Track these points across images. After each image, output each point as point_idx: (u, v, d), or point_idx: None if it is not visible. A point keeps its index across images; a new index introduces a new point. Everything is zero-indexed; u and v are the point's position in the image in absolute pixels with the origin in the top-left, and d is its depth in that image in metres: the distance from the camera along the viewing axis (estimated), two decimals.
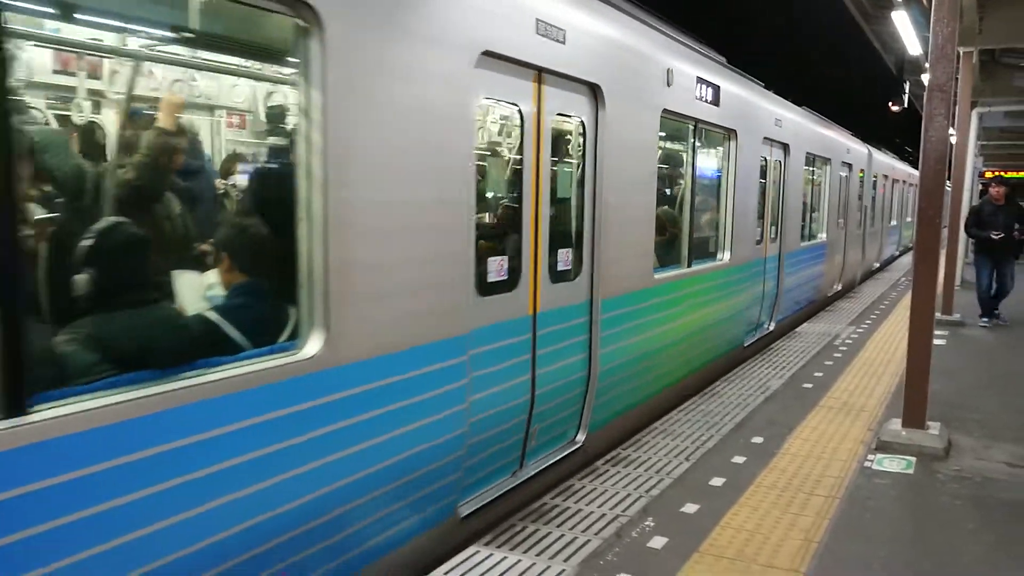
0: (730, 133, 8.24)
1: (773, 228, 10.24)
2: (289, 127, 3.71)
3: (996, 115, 18.31)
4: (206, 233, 3.99)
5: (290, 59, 3.29)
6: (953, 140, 10.83)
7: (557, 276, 5.08)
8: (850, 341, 9.90)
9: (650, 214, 6.34)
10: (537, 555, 4.01)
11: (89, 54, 4.36)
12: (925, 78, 16.70)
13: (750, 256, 9.09)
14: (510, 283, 4.63)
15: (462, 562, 3.91)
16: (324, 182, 3.18)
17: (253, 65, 4.56)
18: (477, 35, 4.08)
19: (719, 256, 8.27)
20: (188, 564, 2.74)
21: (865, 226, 17.15)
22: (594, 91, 5.29)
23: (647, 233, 6.32)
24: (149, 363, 2.74)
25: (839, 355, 9.03)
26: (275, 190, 3.59)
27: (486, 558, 3.96)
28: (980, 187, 18.58)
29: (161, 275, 3.40)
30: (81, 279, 2.87)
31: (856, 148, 15.64)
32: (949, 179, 10.39)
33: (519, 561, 3.93)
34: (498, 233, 4.81)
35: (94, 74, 4.52)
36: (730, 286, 8.47)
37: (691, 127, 7.38)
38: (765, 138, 9.42)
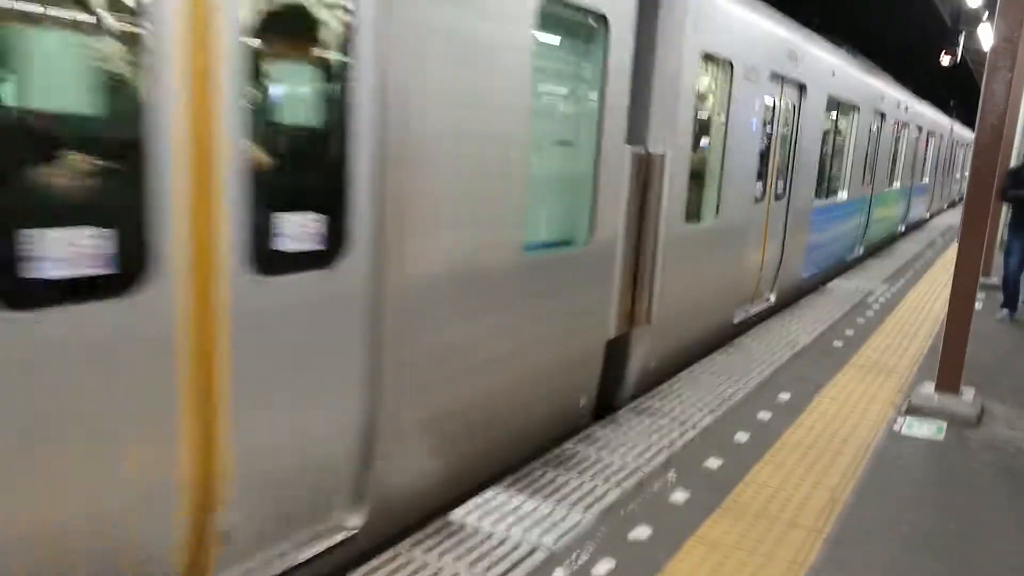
0: (913, 127, 16.28)
1: (915, 171, 17.78)
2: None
3: None
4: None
5: None
6: None
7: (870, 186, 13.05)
8: (883, 299, 9.69)
9: (877, 159, 13.44)
10: (557, 502, 3.96)
11: None
12: (981, 30, 16.02)
13: (903, 189, 16.74)
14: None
15: (480, 505, 3.89)
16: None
17: None
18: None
19: (894, 184, 15.69)
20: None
21: (943, 177, 24.60)
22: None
23: (862, 169, 12.44)
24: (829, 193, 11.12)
25: (871, 313, 8.84)
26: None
27: (504, 502, 3.93)
28: None
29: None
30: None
31: (943, 122, 22.15)
32: None
33: (537, 507, 3.89)
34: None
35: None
36: (898, 199, 16.56)
37: (892, 121, 14.09)
38: (919, 126, 17.05)
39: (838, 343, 7.43)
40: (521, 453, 4.55)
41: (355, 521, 3.48)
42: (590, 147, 4.83)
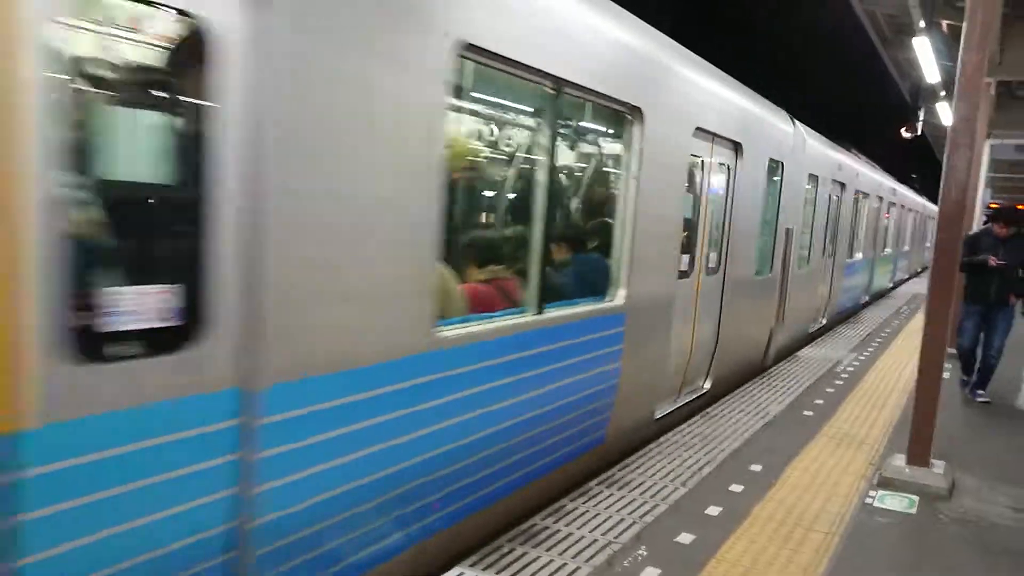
0: (899, 207, 20.87)
1: (899, 240, 22.61)
2: None
3: (1007, 148, 18.19)
4: None
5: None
6: None
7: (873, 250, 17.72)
8: (851, 368, 9.74)
9: (877, 231, 17.97)
10: None
11: None
12: (939, 107, 16.64)
13: (892, 254, 21.30)
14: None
15: None
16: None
17: None
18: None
19: (887, 250, 19.93)
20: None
21: (919, 245, 29.49)
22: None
23: (870, 238, 16.94)
24: None
25: (840, 382, 8.86)
26: None
27: None
28: (984, 219, 18.45)
29: None
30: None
31: (920, 200, 28.06)
32: None
33: None
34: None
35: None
36: (890, 261, 20.97)
37: (894, 205, 19.97)
38: (902, 205, 21.91)
39: (808, 413, 7.42)
40: (744, 376, 9.00)
41: (707, 385, 7.82)
42: (773, 225, 9.31)
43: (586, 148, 6.27)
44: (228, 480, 2.77)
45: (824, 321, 13.24)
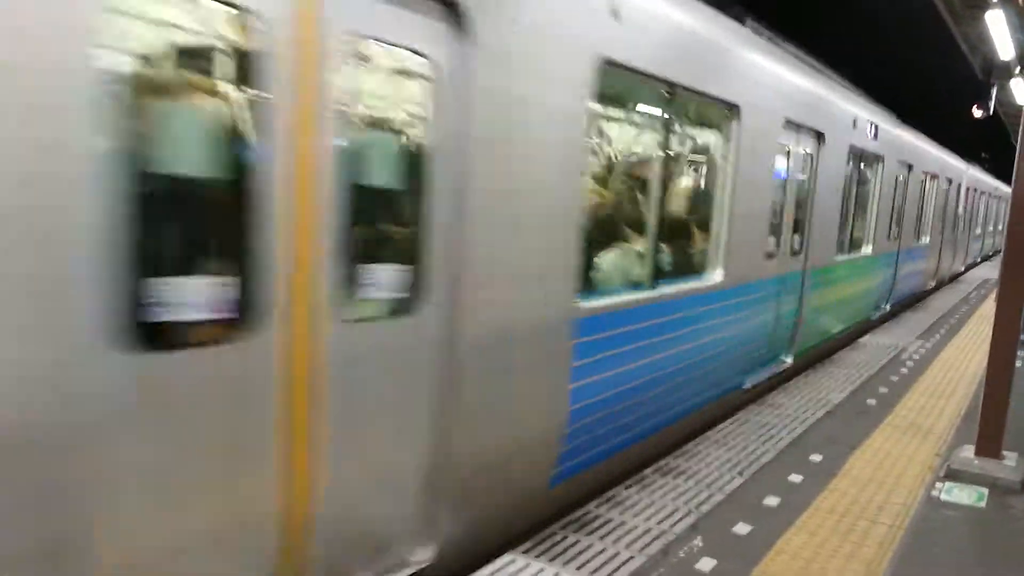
0: (997, 198, 28.31)
1: (997, 221, 29.84)
2: None
3: None
4: None
5: None
6: None
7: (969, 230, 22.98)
8: (917, 356, 9.42)
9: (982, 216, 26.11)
10: (577, 569, 3.81)
11: None
12: (1013, 84, 15.88)
13: (993, 231, 29.74)
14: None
15: (498, 570, 3.74)
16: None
17: None
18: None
19: (990, 227, 28.92)
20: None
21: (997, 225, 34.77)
22: (980, 192, 23.66)
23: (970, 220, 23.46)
24: None
25: (905, 370, 8.59)
26: None
27: (523, 568, 3.77)
28: None
29: None
30: None
31: (1000, 186, 30.82)
32: None
33: (557, 574, 3.73)
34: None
35: None
36: (991, 236, 29.52)
37: (995, 197, 28.04)
38: (999, 196, 28.05)
39: (871, 401, 7.21)
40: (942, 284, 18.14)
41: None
42: (961, 216, 19.26)
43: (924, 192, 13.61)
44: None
45: (962, 268, 21.17)
